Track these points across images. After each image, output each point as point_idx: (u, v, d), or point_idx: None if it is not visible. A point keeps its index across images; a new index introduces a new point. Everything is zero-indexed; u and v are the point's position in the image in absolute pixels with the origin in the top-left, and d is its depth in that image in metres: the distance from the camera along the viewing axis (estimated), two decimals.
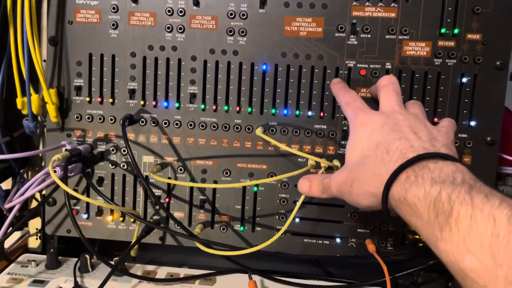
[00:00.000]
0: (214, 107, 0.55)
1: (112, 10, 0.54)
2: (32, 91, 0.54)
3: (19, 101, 0.55)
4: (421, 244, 0.54)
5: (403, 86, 0.52)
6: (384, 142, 0.40)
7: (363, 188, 0.40)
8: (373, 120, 0.43)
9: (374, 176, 0.39)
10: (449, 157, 0.37)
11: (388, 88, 0.46)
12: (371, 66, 0.53)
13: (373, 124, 0.42)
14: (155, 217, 0.57)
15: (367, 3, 0.52)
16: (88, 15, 0.55)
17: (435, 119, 0.52)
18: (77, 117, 0.56)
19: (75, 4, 0.55)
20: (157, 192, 0.57)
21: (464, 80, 0.52)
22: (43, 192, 0.59)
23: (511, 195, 0.58)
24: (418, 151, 0.38)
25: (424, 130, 0.41)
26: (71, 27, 0.55)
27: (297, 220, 0.56)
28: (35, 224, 0.64)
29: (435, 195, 0.33)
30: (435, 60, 0.52)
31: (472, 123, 0.52)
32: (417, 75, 0.52)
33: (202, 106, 0.55)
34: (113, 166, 0.57)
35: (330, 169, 0.52)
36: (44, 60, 0.56)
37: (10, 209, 0.54)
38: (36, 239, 0.64)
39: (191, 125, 0.55)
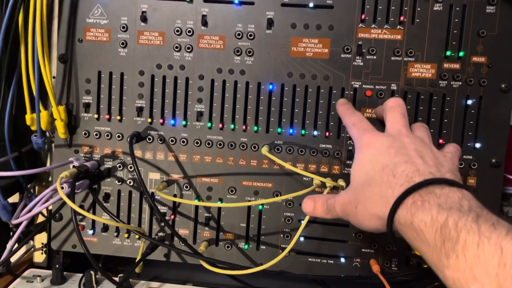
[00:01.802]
0: (221, 125, 0.55)
1: (122, 29, 0.55)
2: (41, 107, 0.54)
3: (28, 117, 0.56)
4: (425, 266, 0.54)
5: (409, 107, 0.52)
6: (390, 165, 0.40)
7: (368, 210, 0.41)
8: (379, 141, 0.43)
9: (380, 198, 0.39)
10: (455, 183, 0.37)
11: (395, 110, 0.47)
12: (377, 87, 0.53)
13: (379, 146, 0.43)
14: (160, 234, 0.58)
15: (373, 25, 0.53)
16: (98, 33, 0.56)
17: (440, 141, 0.53)
18: (85, 134, 0.57)
19: (85, 23, 0.56)
20: (163, 209, 0.57)
21: (469, 102, 0.52)
22: (50, 208, 0.59)
23: None
24: (425, 176, 0.38)
25: (430, 154, 0.41)
26: (81, 45, 0.56)
27: (301, 239, 0.56)
28: (40, 238, 0.64)
29: (442, 221, 0.33)
30: (440, 82, 0.53)
31: (477, 145, 0.53)
32: (422, 97, 0.53)
33: (209, 124, 0.56)
34: (120, 183, 0.57)
35: (335, 189, 0.52)
36: (54, 77, 0.57)
37: (17, 224, 0.54)
38: (42, 253, 0.64)
39: (197, 142, 0.56)
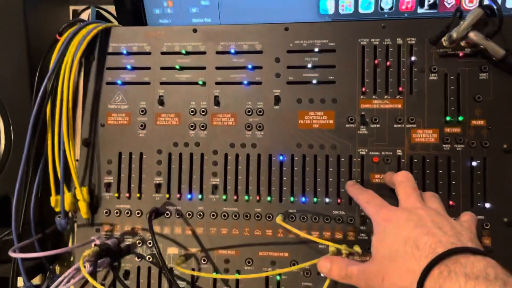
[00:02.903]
0: (235, 197, 0.58)
1: (141, 113, 0.60)
2: (65, 189, 0.58)
3: (53, 199, 0.58)
4: None
5: (415, 171, 0.54)
6: (412, 237, 0.41)
7: (395, 283, 0.41)
8: (396, 216, 0.45)
9: (406, 271, 0.40)
10: (479, 252, 0.38)
11: (405, 185, 0.49)
12: (383, 153, 0.56)
13: (397, 220, 0.44)
14: None
15: (373, 96, 0.56)
16: (119, 118, 0.60)
17: (450, 202, 0.54)
18: (106, 213, 0.59)
19: (107, 109, 0.60)
20: (182, 284, 0.58)
21: (474, 163, 0.54)
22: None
23: None
24: (447, 246, 0.39)
25: (448, 225, 0.42)
26: (103, 129, 0.60)
27: None
28: None
29: None
30: (443, 145, 0.55)
31: (487, 205, 0.53)
32: (427, 161, 0.55)
33: (224, 197, 0.58)
34: (139, 259, 0.58)
35: (351, 255, 0.53)
36: (77, 160, 0.61)
37: None
38: None
39: (213, 215, 0.58)
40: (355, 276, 0.45)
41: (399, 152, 0.56)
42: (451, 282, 0.35)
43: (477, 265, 0.36)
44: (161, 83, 0.60)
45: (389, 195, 0.54)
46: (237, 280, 0.57)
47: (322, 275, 0.55)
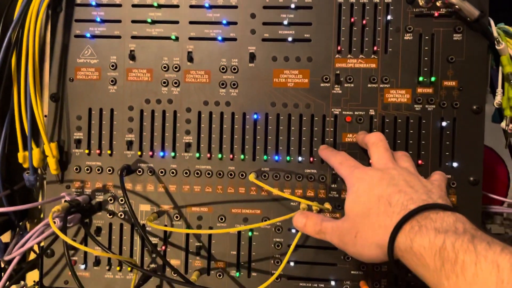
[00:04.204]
0: (209, 155, 0.57)
1: (111, 68, 0.58)
2: (33, 145, 0.56)
3: (20, 155, 0.57)
4: (412, 283, 0.55)
5: (387, 131, 0.55)
6: (385, 195, 0.42)
7: (368, 239, 0.42)
8: (369, 175, 0.46)
9: (379, 227, 0.41)
10: (448, 208, 0.39)
11: (378, 145, 0.49)
12: (356, 113, 0.56)
13: (370, 179, 0.45)
14: (152, 265, 0.58)
15: (348, 55, 0.56)
16: (88, 72, 0.58)
17: (419, 162, 0.55)
18: (76, 169, 0.58)
19: (76, 63, 0.58)
20: (154, 240, 0.58)
21: (444, 124, 0.55)
22: (42, 244, 0.60)
23: (499, 233, 0.60)
24: (418, 203, 0.40)
25: (419, 183, 0.44)
26: (72, 84, 0.58)
27: (291, 264, 0.57)
28: (32, 276, 0.64)
29: (440, 244, 0.35)
30: (415, 106, 0.55)
31: (455, 164, 0.55)
32: (399, 121, 0.56)
33: (197, 155, 0.58)
34: (111, 216, 0.58)
35: (321, 212, 0.54)
36: (45, 116, 0.59)
37: (9, 261, 0.55)
38: None
39: (186, 173, 0.58)
40: (329, 232, 0.46)
41: (371, 112, 0.56)
42: (422, 236, 0.37)
43: (447, 220, 0.37)
44: (132, 37, 0.58)
45: (361, 155, 0.55)
46: (210, 237, 0.58)
47: (293, 231, 0.57)
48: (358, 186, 0.45)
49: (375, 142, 0.50)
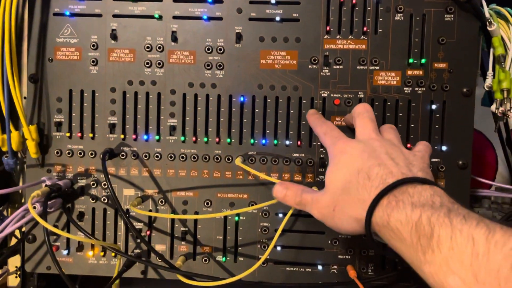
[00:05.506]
0: (194, 138, 0.56)
1: (92, 48, 0.56)
2: (12, 128, 0.54)
3: None
4: (399, 268, 0.55)
5: (376, 114, 0.53)
6: (364, 168, 0.41)
7: (346, 213, 0.41)
8: (351, 147, 0.44)
9: (357, 201, 0.40)
10: (426, 181, 0.39)
11: (363, 116, 0.48)
12: (345, 95, 0.55)
13: (352, 151, 0.44)
14: (137, 251, 0.57)
15: (338, 36, 0.55)
16: (68, 52, 0.56)
17: (408, 145, 0.54)
18: (57, 153, 0.56)
19: (55, 43, 0.56)
20: (138, 225, 0.57)
21: (434, 107, 0.54)
22: (23, 229, 0.58)
23: (488, 217, 0.60)
24: (397, 177, 0.39)
25: (400, 156, 0.43)
26: (51, 64, 0.56)
27: (278, 248, 0.56)
28: (14, 262, 0.63)
29: (416, 218, 0.35)
30: (405, 88, 0.54)
31: (444, 148, 0.54)
32: (388, 103, 0.55)
33: (182, 138, 0.56)
34: (94, 201, 0.57)
35: None
36: (24, 97, 0.57)
37: None
38: (16, 277, 0.63)
39: (171, 157, 0.56)
40: (308, 204, 0.46)
41: (360, 94, 0.55)
42: (399, 211, 0.36)
43: (424, 194, 0.37)
44: (114, 16, 0.55)
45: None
46: (196, 221, 0.57)
47: (281, 215, 0.56)
48: (339, 158, 0.44)
49: (361, 113, 0.48)
